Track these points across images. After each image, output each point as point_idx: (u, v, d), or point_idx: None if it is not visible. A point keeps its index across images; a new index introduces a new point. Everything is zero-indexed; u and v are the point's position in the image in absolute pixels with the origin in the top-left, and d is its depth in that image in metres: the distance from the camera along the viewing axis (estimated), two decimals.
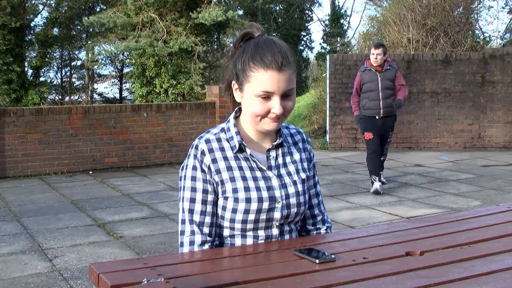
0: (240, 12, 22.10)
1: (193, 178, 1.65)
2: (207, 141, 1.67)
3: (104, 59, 23.32)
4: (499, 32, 17.49)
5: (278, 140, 1.73)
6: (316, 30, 67.22)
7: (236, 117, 1.74)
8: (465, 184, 7.46)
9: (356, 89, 7.04)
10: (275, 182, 1.68)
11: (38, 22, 34.54)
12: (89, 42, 23.06)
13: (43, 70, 22.54)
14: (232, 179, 1.64)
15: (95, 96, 26.48)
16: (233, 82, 1.69)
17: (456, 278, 1.34)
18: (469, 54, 10.87)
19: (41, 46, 20.80)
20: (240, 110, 1.73)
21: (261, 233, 1.68)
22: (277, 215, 1.67)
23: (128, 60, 22.81)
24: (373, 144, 6.95)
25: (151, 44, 16.95)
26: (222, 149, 1.67)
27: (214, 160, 1.65)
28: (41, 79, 21.97)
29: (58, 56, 25.11)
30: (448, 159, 9.64)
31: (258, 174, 1.68)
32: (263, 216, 1.65)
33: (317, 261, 1.44)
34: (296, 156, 1.77)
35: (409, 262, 1.46)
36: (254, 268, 1.46)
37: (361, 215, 5.94)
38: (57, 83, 25.66)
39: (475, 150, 10.61)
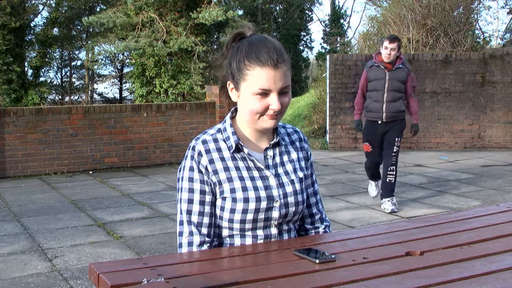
0: (240, 12, 22.10)
1: (190, 179, 1.66)
2: (204, 142, 1.68)
3: (104, 59, 23.34)
4: (499, 32, 17.49)
5: (275, 139, 1.73)
6: (316, 30, 67.19)
7: (233, 117, 1.74)
8: (465, 184, 7.46)
9: (362, 89, 6.10)
10: (272, 182, 1.69)
11: (38, 22, 34.54)
12: (89, 42, 23.07)
13: (43, 70, 22.57)
14: (230, 180, 1.65)
15: (95, 96, 26.50)
16: (228, 82, 1.68)
17: (456, 278, 1.34)
18: (469, 54, 10.87)
19: (41, 46, 20.81)
20: (236, 110, 1.74)
21: (260, 232, 1.68)
22: (275, 214, 1.68)
23: (128, 60, 22.82)
24: (372, 158, 6.18)
25: (151, 44, 16.96)
26: (219, 150, 1.67)
27: (211, 161, 1.65)
28: (41, 79, 22.00)
29: (58, 56, 25.13)
30: (448, 159, 9.64)
31: (256, 173, 1.68)
32: (261, 216, 1.66)
33: (317, 261, 1.44)
34: (294, 155, 1.77)
35: (409, 262, 1.46)
36: (254, 268, 1.46)
37: (361, 215, 5.94)
38: (57, 83, 25.69)
39: (475, 150, 10.61)
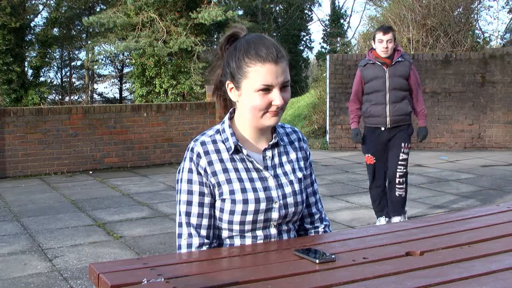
0: (240, 12, 22.09)
1: (189, 181, 1.65)
2: (203, 144, 1.67)
3: (104, 59, 23.35)
4: (499, 32, 17.49)
5: (274, 139, 1.73)
6: (316, 30, 67.27)
7: (231, 118, 1.74)
8: (465, 184, 7.46)
9: (356, 92, 5.15)
10: (271, 183, 1.68)
11: (38, 22, 34.59)
12: (89, 42, 23.08)
13: (43, 70, 22.57)
14: (229, 181, 1.64)
15: (95, 96, 26.51)
16: (227, 82, 1.68)
17: (456, 278, 1.34)
18: (469, 54, 10.87)
19: (41, 46, 20.82)
20: (234, 111, 1.73)
21: (260, 233, 1.68)
22: (274, 215, 1.68)
23: (128, 60, 22.82)
24: (375, 173, 5.15)
25: (151, 44, 16.96)
26: (217, 151, 1.67)
27: (210, 163, 1.65)
28: (41, 79, 22.01)
29: (58, 56, 25.14)
30: (448, 159, 9.64)
31: (255, 175, 1.68)
32: (260, 217, 1.66)
33: (317, 261, 1.44)
34: (293, 155, 1.77)
35: (409, 262, 1.46)
36: (254, 268, 1.46)
37: (361, 215, 5.94)
38: (57, 83, 25.70)
39: (475, 150, 10.61)
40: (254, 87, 1.60)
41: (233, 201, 1.63)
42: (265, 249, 1.61)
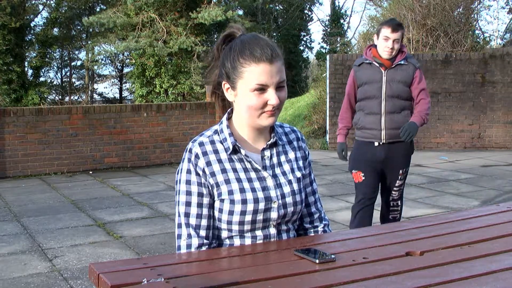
0: (240, 12, 22.10)
1: (188, 182, 1.65)
2: (201, 144, 1.67)
3: (104, 59, 23.36)
4: (499, 32, 17.49)
5: (272, 139, 1.73)
6: (316, 30, 67.28)
7: (229, 118, 1.74)
8: (465, 184, 7.46)
9: (348, 97, 4.25)
10: (270, 182, 1.68)
11: (38, 22, 34.59)
12: (89, 42, 23.08)
13: (43, 70, 22.58)
14: (227, 181, 1.64)
15: (95, 96, 26.50)
16: (223, 82, 1.68)
17: (456, 278, 1.34)
18: (469, 54, 10.88)
19: (41, 46, 20.83)
20: (232, 111, 1.73)
21: (259, 233, 1.68)
22: (274, 215, 1.68)
23: (128, 60, 22.82)
24: (364, 191, 4.21)
25: (151, 44, 16.97)
26: (216, 152, 1.67)
27: (208, 163, 1.65)
28: (41, 79, 22.01)
29: (58, 56, 25.14)
30: (448, 159, 9.64)
31: (253, 175, 1.67)
32: (260, 217, 1.66)
33: (317, 261, 1.44)
34: (291, 154, 1.77)
35: (409, 262, 1.46)
36: (254, 268, 1.46)
37: None
38: (57, 83, 25.70)
39: (475, 150, 10.61)
40: (249, 87, 1.60)
41: (232, 201, 1.63)
42: (265, 249, 1.61)
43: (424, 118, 4.11)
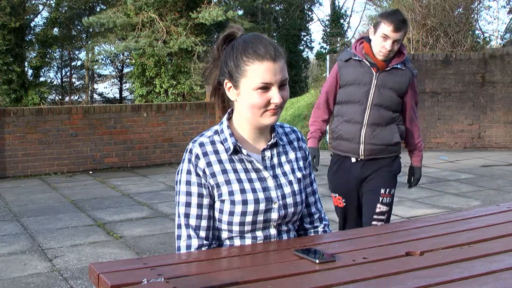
0: (240, 12, 22.10)
1: (188, 183, 1.65)
2: (201, 145, 1.67)
3: (104, 59, 23.36)
4: (499, 32, 17.49)
5: (272, 139, 1.72)
6: (316, 30, 67.24)
7: (229, 119, 1.73)
8: (465, 184, 7.46)
9: (326, 94, 3.50)
10: (270, 183, 1.68)
11: (38, 22, 34.54)
12: (89, 42, 23.08)
13: (43, 70, 22.58)
14: (228, 182, 1.64)
15: (95, 96, 26.50)
16: (225, 81, 1.67)
17: (456, 278, 1.34)
18: (469, 54, 10.88)
19: (41, 46, 20.82)
20: (232, 111, 1.73)
21: (259, 233, 1.68)
22: (274, 215, 1.67)
23: (128, 60, 22.82)
24: (346, 219, 3.57)
25: (151, 44, 16.96)
26: (216, 152, 1.66)
27: (208, 164, 1.64)
28: (41, 79, 22.01)
29: (58, 56, 25.14)
30: (448, 159, 9.64)
31: (254, 175, 1.67)
32: (260, 217, 1.65)
33: (317, 261, 1.44)
34: (292, 155, 1.77)
35: (409, 262, 1.46)
36: (254, 268, 1.46)
37: None
38: (57, 83, 25.70)
39: (475, 150, 10.61)
40: (253, 86, 1.60)
41: (232, 202, 1.63)
42: (265, 249, 1.61)
43: (421, 151, 3.63)
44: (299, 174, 1.75)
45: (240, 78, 1.62)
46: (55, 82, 25.43)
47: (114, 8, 18.29)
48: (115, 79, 26.63)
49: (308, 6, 28.89)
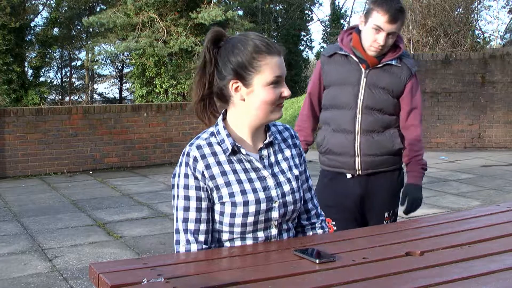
0: (240, 12, 22.09)
1: (186, 186, 1.63)
2: (198, 147, 1.65)
3: (104, 59, 23.34)
4: (499, 32, 17.49)
5: (268, 138, 1.72)
6: (316, 30, 67.20)
7: (223, 119, 1.72)
8: (465, 184, 7.46)
9: (310, 97, 2.94)
10: (270, 182, 1.68)
11: (38, 22, 34.55)
12: (89, 42, 23.07)
13: (43, 70, 22.56)
14: (228, 184, 1.63)
15: (95, 96, 26.49)
16: (232, 82, 1.64)
17: (456, 278, 1.34)
18: (469, 54, 10.88)
19: (41, 46, 20.81)
20: (225, 112, 1.72)
21: (261, 234, 1.67)
22: (275, 214, 1.67)
23: (128, 60, 22.82)
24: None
25: (151, 44, 16.95)
26: (214, 154, 1.65)
27: (207, 166, 1.63)
28: (41, 79, 21.99)
29: (58, 56, 25.12)
30: (448, 159, 9.64)
31: (253, 175, 1.67)
32: (261, 217, 1.65)
33: (317, 261, 1.44)
34: (287, 152, 1.77)
35: (409, 262, 1.46)
36: (254, 268, 1.46)
37: None
38: (57, 83, 25.68)
39: (475, 150, 10.60)
40: (267, 80, 1.61)
41: (234, 204, 1.62)
42: (265, 249, 1.61)
43: (422, 167, 2.91)
44: (296, 171, 1.75)
45: (253, 74, 1.61)
46: (55, 82, 25.42)
47: (114, 8, 18.28)
48: (115, 79, 26.62)
49: (308, 6, 28.88)
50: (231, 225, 1.64)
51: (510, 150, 10.60)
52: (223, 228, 1.65)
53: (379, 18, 2.62)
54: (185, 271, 1.43)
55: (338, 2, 37.14)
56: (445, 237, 1.70)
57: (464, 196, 6.76)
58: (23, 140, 8.26)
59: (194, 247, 1.63)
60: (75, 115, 8.60)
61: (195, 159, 1.63)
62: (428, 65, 10.69)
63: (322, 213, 1.89)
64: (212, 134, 1.69)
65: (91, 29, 22.97)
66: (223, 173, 1.64)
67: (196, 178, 1.62)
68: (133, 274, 1.38)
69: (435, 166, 8.89)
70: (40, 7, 22.32)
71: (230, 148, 1.65)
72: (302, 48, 27.94)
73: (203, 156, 1.64)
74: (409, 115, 2.82)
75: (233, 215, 1.63)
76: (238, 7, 21.22)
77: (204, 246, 1.64)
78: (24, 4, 19.93)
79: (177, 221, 1.65)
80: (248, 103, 1.65)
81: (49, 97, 22.51)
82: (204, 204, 1.63)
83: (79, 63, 26.35)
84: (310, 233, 1.84)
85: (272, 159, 1.73)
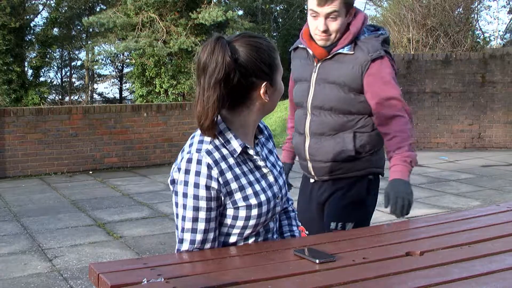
0: (240, 13, 22.10)
1: (196, 197, 1.54)
2: (209, 153, 1.56)
3: (104, 59, 23.33)
4: (499, 32, 17.49)
5: (259, 134, 1.74)
6: None
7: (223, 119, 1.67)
8: (465, 184, 7.46)
9: (290, 94, 2.75)
10: (271, 178, 1.68)
11: (38, 22, 34.57)
12: (89, 42, 23.07)
13: (43, 70, 22.55)
14: (241, 188, 1.59)
15: (95, 96, 26.49)
16: (263, 84, 1.59)
17: (456, 278, 1.34)
18: (469, 54, 10.87)
19: (41, 46, 20.81)
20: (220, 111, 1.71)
21: (261, 229, 1.69)
22: (278, 209, 1.70)
23: (128, 60, 22.82)
24: None
25: (151, 44, 16.96)
26: (224, 158, 1.58)
27: (221, 172, 1.56)
28: (41, 79, 21.98)
29: (58, 56, 25.12)
30: (448, 159, 9.64)
31: (257, 174, 1.66)
32: (270, 215, 1.66)
33: (317, 261, 1.44)
34: (269, 145, 1.79)
35: (409, 262, 1.46)
36: (254, 268, 1.46)
37: None
38: (57, 83, 25.67)
39: (475, 150, 10.60)
40: (281, 74, 1.68)
41: (249, 207, 1.59)
42: (265, 249, 1.61)
43: (405, 159, 2.29)
44: (280, 163, 1.79)
45: (276, 73, 1.65)
46: (55, 82, 25.41)
47: (114, 8, 18.28)
48: (115, 79, 26.62)
49: None
50: (244, 227, 1.61)
51: (510, 150, 10.60)
52: (234, 231, 1.62)
53: (311, 1, 2.30)
54: (185, 271, 1.43)
55: None
56: (445, 237, 1.70)
57: (464, 196, 6.76)
58: (23, 140, 8.25)
59: None
60: (75, 115, 8.59)
61: (209, 166, 1.54)
62: (428, 65, 10.69)
63: (290, 196, 1.91)
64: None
65: (91, 29, 22.97)
66: (236, 178, 1.59)
67: (207, 188, 1.54)
68: (133, 274, 1.38)
69: (435, 166, 8.89)
70: (40, 7, 22.33)
71: (239, 150, 1.60)
72: None
73: (216, 162, 1.56)
74: (382, 108, 2.33)
75: (247, 218, 1.60)
76: (238, 7, 21.23)
77: None
78: (24, 4, 19.93)
79: (182, 231, 1.58)
80: (270, 101, 1.65)
81: (49, 97, 22.49)
82: (213, 214, 1.57)
83: (79, 63, 26.36)
84: (284, 216, 1.88)
85: (264, 154, 1.73)
